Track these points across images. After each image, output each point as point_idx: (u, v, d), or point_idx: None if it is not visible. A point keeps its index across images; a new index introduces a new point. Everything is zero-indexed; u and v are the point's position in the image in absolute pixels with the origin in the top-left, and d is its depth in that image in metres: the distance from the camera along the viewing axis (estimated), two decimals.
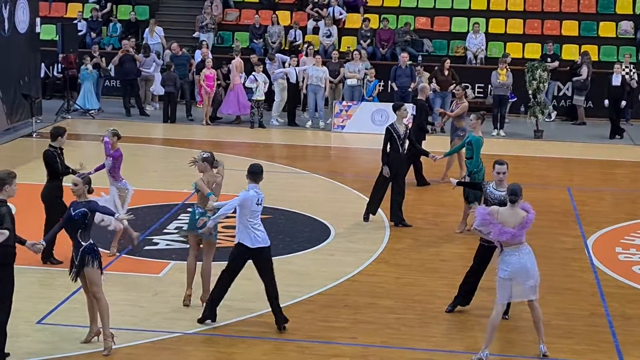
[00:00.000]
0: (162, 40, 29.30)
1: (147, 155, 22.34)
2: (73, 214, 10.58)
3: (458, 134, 19.01)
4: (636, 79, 26.31)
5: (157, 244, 14.79)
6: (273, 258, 11.76)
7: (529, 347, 11.17)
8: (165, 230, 15.49)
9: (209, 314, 11.55)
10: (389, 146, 16.05)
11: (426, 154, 16.69)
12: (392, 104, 18.01)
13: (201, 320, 11.53)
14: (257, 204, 11.38)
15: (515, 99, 25.89)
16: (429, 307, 12.39)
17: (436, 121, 22.73)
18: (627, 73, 26.06)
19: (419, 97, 19.52)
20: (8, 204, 10.12)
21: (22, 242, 10.25)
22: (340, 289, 13.05)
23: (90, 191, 10.85)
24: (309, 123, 25.89)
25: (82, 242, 10.58)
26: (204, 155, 12.33)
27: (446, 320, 12.01)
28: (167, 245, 14.77)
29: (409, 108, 19.76)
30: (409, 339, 11.34)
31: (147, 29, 29.57)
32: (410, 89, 25.47)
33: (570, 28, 30.08)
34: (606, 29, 29.95)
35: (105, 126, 24.94)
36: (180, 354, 10.77)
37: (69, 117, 26.15)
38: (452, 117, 19.18)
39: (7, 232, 9.89)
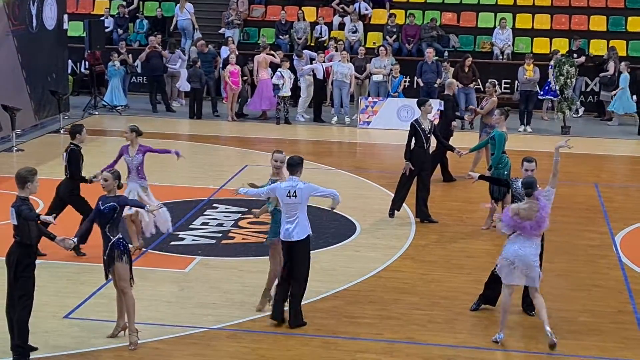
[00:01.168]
0: (192, 17, 29.48)
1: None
2: (102, 208, 10.65)
3: (487, 130, 19.00)
4: None
5: (183, 239, 14.84)
6: None
7: (560, 345, 11.11)
8: (191, 226, 15.53)
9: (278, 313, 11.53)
10: (413, 142, 16.02)
11: (452, 149, 16.64)
12: (417, 99, 17.97)
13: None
14: (288, 196, 11.25)
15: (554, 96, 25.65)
16: (455, 303, 12.36)
17: (465, 115, 22.66)
18: None
19: (445, 92, 19.48)
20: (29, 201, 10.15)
21: (52, 238, 10.30)
22: (366, 285, 13.05)
23: (119, 186, 10.92)
24: (335, 119, 25.88)
25: (111, 237, 10.65)
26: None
27: (472, 316, 11.97)
28: (193, 240, 14.81)
29: (434, 103, 19.71)
30: (435, 335, 11.32)
31: (177, 5, 29.74)
32: (436, 85, 25.42)
33: (598, 23, 29.90)
34: (635, 24, 29.72)
35: (131, 122, 25.12)
36: (206, 348, 10.80)
37: (96, 113, 26.28)
38: (482, 114, 19.18)
39: (51, 218, 10.07)
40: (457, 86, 25.00)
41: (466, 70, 25.40)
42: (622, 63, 25.92)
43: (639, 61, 26.13)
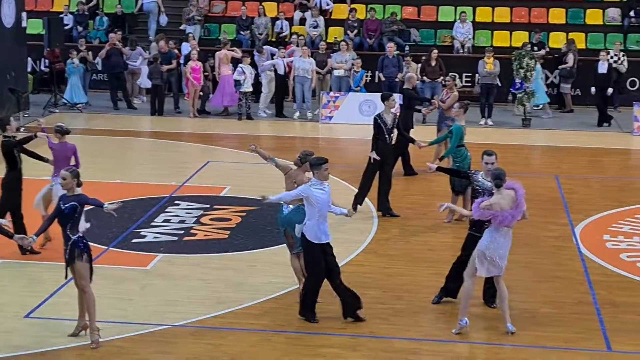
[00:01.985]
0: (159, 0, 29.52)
1: (135, 148, 22.32)
2: (63, 207, 10.58)
3: (446, 123, 19.10)
4: (625, 65, 26.36)
5: (144, 236, 14.77)
6: (261, 250, 11.82)
7: (522, 337, 11.20)
8: (152, 223, 15.46)
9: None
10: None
11: (412, 141, 16.73)
12: (380, 94, 18.01)
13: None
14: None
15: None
16: (417, 296, 12.40)
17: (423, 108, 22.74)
18: (615, 61, 26.10)
19: (405, 87, 19.54)
20: None
21: (10, 236, 10.22)
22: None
23: (79, 184, 10.83)
24: (297, 114, 25.87)
25: (72, 236, 10.58)
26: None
27: (434, 309, 12.02)
28: (155, 237, 14.74)
29: (397, 98, 19.75)
30: (398, 329, 11.35)
31: None
32: (397, 79, 25.48)
33: (557, 16, 30.13)
34: (593, 17, 29.99)
35: (93, 120, 25.09)
36: (168, 346, 10.77)
37: (57, 111, 26.08)
38: (444, 108, 19.28)
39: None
40: (425, 80, 25.17)
41: (433, 64, 25.45)
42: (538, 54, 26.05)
43: (598, 54, 26.27)
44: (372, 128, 16.17)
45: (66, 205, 10.57)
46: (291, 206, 11.96)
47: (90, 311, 10.67)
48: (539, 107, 26.76)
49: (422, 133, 20.06)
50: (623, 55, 26.55)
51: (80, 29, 30.06)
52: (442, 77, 25.30)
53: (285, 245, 12.36)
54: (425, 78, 25.29)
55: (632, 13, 29.51)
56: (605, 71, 25.32)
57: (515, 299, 12.37)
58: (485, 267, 11.10)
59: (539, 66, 25.48)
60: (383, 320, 11.59)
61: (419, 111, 21.70)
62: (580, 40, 28.73)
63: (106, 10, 31.03)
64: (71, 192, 10.71)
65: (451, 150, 15.63)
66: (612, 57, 26.04)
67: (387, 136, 16.01)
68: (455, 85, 20.11)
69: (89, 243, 10.81)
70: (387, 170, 16.26)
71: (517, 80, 25.03)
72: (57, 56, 26.88)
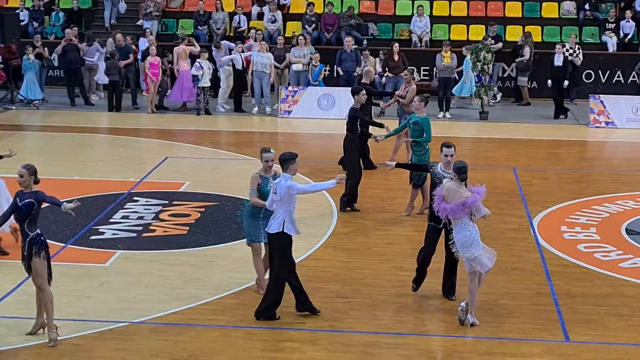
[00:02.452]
0: None
1: (93, 144, 22.16)
2: (20, 204, 10.48)
3: (405, 116, 19.22)
4: (580, 57, 26.58)
5: (103, 233, 14.69)
6: (221, 245, 11.80)
7: (481, 328, 11.27)
8: (111, 220, 15.37)
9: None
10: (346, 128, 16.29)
11: (369, 135, 16.79)
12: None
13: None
14: (273, 192, 11.25)
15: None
16: (377, 290, 12.43)
17: (382, 102, 22.81)
18: (570, 54, 26.31)
19: (363, 81, 19.58)
20: None
21: None
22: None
23: (36, 182, 10.73)
24: (256, 109, 25.83)
25: (29, 233, 10.51)
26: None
27: (393, 303, 12.05)
28: (114, 234, 14.66)
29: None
30: (357, 322, 11.37)
31: None
32: (355, 74, 25.52)
33: (513, 9, 30.33)
34: (549, 10, 30.23)
35: (50, 116, 24.88)
36: (127, 343, 10.71)
37: (13, 107, 25.85)
38: (405, 104, 19.33)
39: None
40: (387, 76, 25.21)
41: (396, 58, 25.46)
42: (464, 47, 26.22)
43: (554, 46, 26.48)
44: (342, 122, 16.29)
45: (23, 202, 10.48)
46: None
47: (48, 309, 10.59)
48: (466, 98, 26.73)
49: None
50: (578, 49, 26.78)
51: (36, 24, 29.80)
52: (404, 72, 25.33)
53: (242, 240, 12.31)
54: (388, 73, 25.31)
55: (587, 6, 29.77)
56: (561, 64, 25.52)
57: (491, 291, 12.47)
58: (484, 263, 11.20)
59: (468, 57, 25.54)
60: (343, 314, 11.61)
61: (377, 105, 21.79)
62: (536, 33, 28.95)
63: (62, 6, 30.80)
64: (28, 188, 10.61)
65: (428, 139, 15.67)
66: (567, 50, 26.25)
67: (357, 129, 16.11)
68: (413, 79, 20.20)
69: (48, 240, 10.73)
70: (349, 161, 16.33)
71: (475, 74, 25.18)
72: (13, 52, 26.62)
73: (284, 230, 11.12)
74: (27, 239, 10.51)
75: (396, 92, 20.54)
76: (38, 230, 10.59)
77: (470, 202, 11.00)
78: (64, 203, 10.79)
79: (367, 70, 19.91)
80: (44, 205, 10.70)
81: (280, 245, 11.21)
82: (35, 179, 10.68)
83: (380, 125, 16.93)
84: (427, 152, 15.65)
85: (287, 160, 11.23)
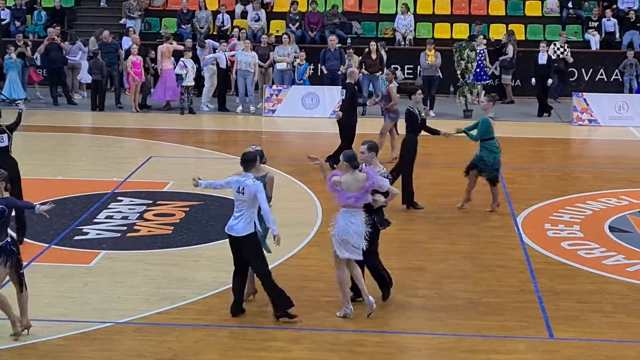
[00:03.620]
0: None
1: (76, 144, 22.10)
2: None
3: (390, 115, 19.38)
4: (569, 55, 26.65)
5: (87, 233, 14.64)
6: (205, 245, 11.79)
7: (466, 326, 11.29)
8: (95, 220, 15.32)
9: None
10: (406, 128, 16.37)
11: (437, 132, 16.75)
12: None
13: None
14: (237, 192, 11.14)
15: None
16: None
17: (366, 101, 22.83)
18: (561, 52, 26.35)
19: (348, 81, 19.59)
20: None
21: None
22: (273, 273, 12.99)
23: (7, 188, 10.58)
24: (240, 108, 25.79)
25: None
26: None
27: (378, 301, 12.03)
28: (97, 234, 14.61)
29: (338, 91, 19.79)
30: (342, 321, 11.36)
31: None
32: (340, 72, 25.53)
33: (497, 7, 30.40)
34: (532, 8, 30.32)
35: (32, 116, 24.74)
36: (112, 343, 10.68)
37: None
38: (394, 102, 19.48)
39: None
40: (364, 73, 25.21)
41: (373, 57, 25.46)
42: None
43: (537, 44, 26.57)
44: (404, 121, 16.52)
45: None
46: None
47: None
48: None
49: (365, 125, 20.17)
50: (568, 47, 26.83)
51: (18, 23, 29.66)
52: (380, 72, 25.35)
53: (225, 239, 12.25)
54: (364, 71, 25.32)
55: (570, 4, 29.86)
56: (545, 62, 25.60)
57: (458, 288, 12.50)
58: (348, 250, 11.24)
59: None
60: (328, 313, 11.59)
61: (364, 104, 21.80)
62: (519, 31, 29.03)
63: (44, 5, 30.67)
64: (0, 195, 10.48)
65: (475, 138, 16.01)
66: (558, 49, 26.32)
67: (418, 129, 16.21)
68: (396, 77, 20.27)
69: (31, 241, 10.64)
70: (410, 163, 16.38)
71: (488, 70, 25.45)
72: None
73: (256, 230, 11.23)
74: None
75: (370, 102, 20.70)
76: (8, 238, 10.44)
77: (370, 186, 11.13)
78: (37, 205, 10.65)
79: (352, 70, 19.92)
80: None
81: (255, 244, 11.23)
82: (6, 185, 10.54)
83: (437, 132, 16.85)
84: (499, 151, 15.98)
85: (251, 162, 11.24)
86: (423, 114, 16.67)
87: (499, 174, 16.15)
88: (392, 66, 25.64)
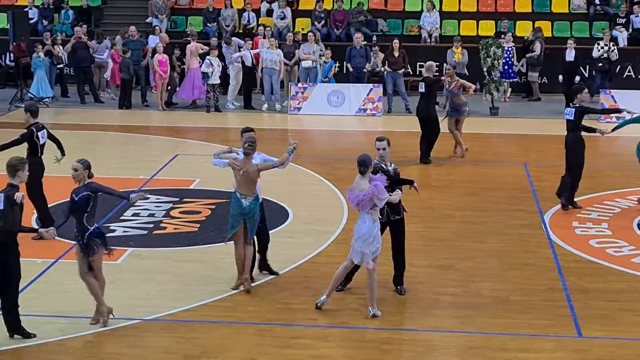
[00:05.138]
0: None
1: (103, 142, 22.16)
2: (77, 199, 10.68)
3: (461, 110, 19.73)
4: (616, 53, 26.35)
5: (114, 231, 14.68)
6: (231, 242, 11.92)
7: (494, 324, 11.24)
8: (122, 217, 15.37)
9: None
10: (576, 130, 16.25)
11: (593, 130, 16.70)
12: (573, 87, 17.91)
13: None
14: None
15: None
16: (389, 286, 12.36)
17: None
18: (606, 50, 26.10)
19: (426, 75, 19.69)
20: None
21: (35, 230, 10.63)
22: (299, 271, 13.05)
23: (90, 176, 10.89)
24: (265, 106, 25.81)
25: (89, 227, 10.73)
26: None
27: (404, 299, 12.03)
28: (125, 232, 14.67)
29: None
30: (370, 319, 11.33)
31: None
32: (365, 70, 25.50)
33: (523, 4, 30.23)
34: (559, 5, 30.13)
35: (60, 114, 24.91)
36: (140, 340, 10.72)
37: (23, 105, 25.81)
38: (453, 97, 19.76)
39: None
40: (387, 70, 25.17)
41: (396, 55, 25.44)
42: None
43: (564, 41, 26.43)
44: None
45: (79, 196, 10.69)
46: (249, 197, 11.97)
47: (98, 294, 10.94)
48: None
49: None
50: (613, 45, 26.59)
51: (45, 22, 29.81)
52: (403, 69, 25.30)
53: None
54: (387, 68, 25.26)
55: (597, 1, 29.67)
56: (572, 59, 25.46)
57: (486, 287, 12.46)
58: (351, 249, 11.41)
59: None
60: (354, 311, 11.58)
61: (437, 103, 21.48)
62: (546, 28, 28.84)
63: (71, 4, 30.80)
64: (82, 182, 10.81)
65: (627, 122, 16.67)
66: (602, 47, 26.09)
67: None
68: (454, 74, 20.38)
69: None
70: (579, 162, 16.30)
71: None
72: (23, 50, 26.66)
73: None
74: (87, 234, 10.72)
75: (445, 88, 20.54)
76: (97, 224, 10.86)
77: (365, 195, 11.10)
78: (132, 195, 11.24)
79: (429, 64, 20.00)
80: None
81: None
82: (89, 173, 10.89)
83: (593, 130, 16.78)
84: None
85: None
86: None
87: None
88: (418, 63, 25.62)
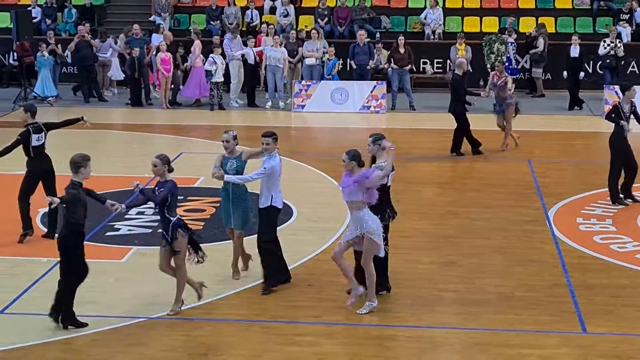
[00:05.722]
0: None
1: (107, 141, 22.20)
2: (157, 192, 11.00)
3: (508, 102, 19.76)
4: (622, 49, 26.29)
5: (118, 229, 14.72)
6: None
7: (498, 320, 11.26)
8: (126, 216, 15.39)
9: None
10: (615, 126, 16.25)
11: (477, 94, 16.82)
12: (621, 84, 17.97)
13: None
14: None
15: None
16: (392, 283, 12.32)
17: (481, 92, 22.37)
18: (612, 47, 26.02)
19: (456, 72, 19.72)
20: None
21: (103, 202, 11.14)
22: (303, 268, 13.06)
23: (170, 170, 11.24)
24: (269, 104, 25.83)
25: (171, 218, 11.02)
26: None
27: (410, 295, 12.04)
28: (129, 230, 14.69)
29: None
30: (373, 315, 11.35)
31: None
32: (368, 67, 25.51)
33: (527, 1, 30.21)
34: (562, 1, 30.12)
35: (64, 113, 24.88)
36: (145, 338, 10.74)
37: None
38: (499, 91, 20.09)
39: None
40: (392, 67, 25.18)
41: (402, 51, 25.45)
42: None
43: (567, 37, 26.43)
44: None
45: (160, 190, 11.02)
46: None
47: (181, 285, 11.21)
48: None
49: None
50: (620, 42, 26.54)
51: (48, 21, 29.86)
52: (409, 65, 25.30)
53: (254, 234, 12.38)
54: (393, 65, 25.28)
55: None
56: (577, 55, 25.44)
57: (490, 283, 12.47)
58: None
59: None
60: (359, 308, 11.58)
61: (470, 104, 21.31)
62: (549, 24, 28.85)
63: (74, 3, 30.82)
64: (163, 177, 11.13)
65: None
66: (609, 44, 26.05)
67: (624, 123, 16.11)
68: (458, 70, 20.38)
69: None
70: (630, 159, 16.26)
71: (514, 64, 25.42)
72: (26, 49, 26.70)
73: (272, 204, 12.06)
74: (170, 225, 11.01)
75: (492, 82, 20.56)
76: (178, 215, 11.21)
77: (353, 181, 11.19)
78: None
79: (460, 61, 20.07)
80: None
81: (267, 216, 12.09)
82: (169, 167, 11.21)
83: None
84: None
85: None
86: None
87: None
88: (422, 60, 25.65)
